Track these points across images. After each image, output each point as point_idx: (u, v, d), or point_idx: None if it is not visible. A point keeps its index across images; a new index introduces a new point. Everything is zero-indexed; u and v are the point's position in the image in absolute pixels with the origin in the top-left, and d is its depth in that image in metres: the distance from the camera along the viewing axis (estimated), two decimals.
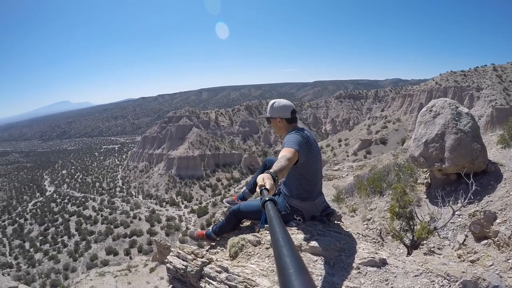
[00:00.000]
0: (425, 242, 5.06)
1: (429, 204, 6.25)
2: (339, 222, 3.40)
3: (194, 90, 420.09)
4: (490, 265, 2.76)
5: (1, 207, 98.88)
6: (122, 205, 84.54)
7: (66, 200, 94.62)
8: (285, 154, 2.40)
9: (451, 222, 5.29)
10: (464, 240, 4.63)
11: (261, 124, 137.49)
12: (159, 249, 21.85)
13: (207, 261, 2.71)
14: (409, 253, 3.83)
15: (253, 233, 3.04)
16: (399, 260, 2.55)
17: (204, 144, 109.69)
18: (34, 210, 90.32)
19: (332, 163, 52.28)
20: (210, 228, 3.62)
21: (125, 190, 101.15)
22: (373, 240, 3.08)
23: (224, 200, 4.13)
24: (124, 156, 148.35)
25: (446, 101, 6.64)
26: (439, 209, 4.58)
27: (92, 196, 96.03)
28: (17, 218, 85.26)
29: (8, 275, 35.36)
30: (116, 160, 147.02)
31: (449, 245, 5.07)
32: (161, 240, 23.49)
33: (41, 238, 68.93)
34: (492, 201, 5.02)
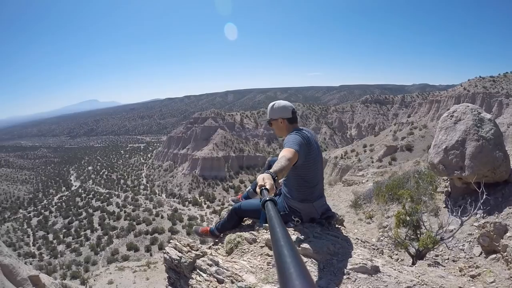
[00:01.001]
0: (439, 253, 4.86)
1: (448, 214, 6.02)
2: (339, 227, 3.32)
3: (220, 92, 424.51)
4: (491, 282, 2.59)
5: (28, 199, 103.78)
6: (145, 203, 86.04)
7: (90, 195, 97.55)
8: (285, 154, 2.39)
9: (469, 234, 5.07)
10: (481, 253, 4.41)
11: None
12: None
13: (201, 254, 2.75)
14: (413, 263, 3.68)
15: (251, 231, 3.05)
16: (394, 269, 2.45)
17: (228, 145, 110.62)
18: (59, 204, 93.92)
19: (357, 169, 51.51)
20: (214, 225, 3.66)
21: (149, 188, 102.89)
22: (372, 246, 2.98)
23: (229, 199, 4.17)
24: (149, 155, 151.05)
25: (468, 106, 6.38)
26: (448, 218, 4.37)
27: (116, 193, 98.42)
28: (42, 210, 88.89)
29: (31, 264, 36.73)
30: (141, 158, 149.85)
31: (465, 258, 4.86)
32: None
33: (64, 230, 71.43)
34: None
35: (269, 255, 2.57)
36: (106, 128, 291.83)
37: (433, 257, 4.13)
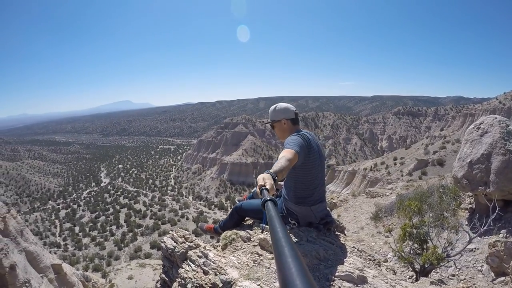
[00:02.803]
0: (455, 274, 4.60)
1: (469, 232, 5.72)
2: (339, 234, 3.24)
3: (252, 98, 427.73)
4: None
5: (58, 191, 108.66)
6: (171, 204, 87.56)
7: (119, 193, 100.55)
8: (285, 155, 2.37)
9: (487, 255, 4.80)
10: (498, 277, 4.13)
11: (317, 136, 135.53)
12: None
13: (194, 246, 2.80)
14: (416, 280, 3.49)
15: (247, 230, 3.09)
16: (386, 282, 2.33)
17: (258, 152, 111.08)
18: (87, 198, 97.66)
19: (385, 182, 50.05)
20: (218, 223, 3.71)
21: (176, 190, 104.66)
22: (369, 257, 2.87)
23: (236, 199, 4.20)
24: (179, 157, 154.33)
25: (496, 118, 6.08)
26: (459, 235, 4.12)
27: (144, 192, 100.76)
28: (71, 204, 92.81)
29: (55, 253, 38.17)
30: (170, 160, 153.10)
31: (483, 278, 4.57)
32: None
33: (90, 224, 73.99)
34: None
35: (258, 254, 2.59)
36: (138, 129, 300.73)
37: (440, 276, 3.93)
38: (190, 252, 2.69)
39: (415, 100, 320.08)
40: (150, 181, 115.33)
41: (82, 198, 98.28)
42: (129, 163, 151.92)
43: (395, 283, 2.40)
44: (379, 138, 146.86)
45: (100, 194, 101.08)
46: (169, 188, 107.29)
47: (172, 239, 2.94)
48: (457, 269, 4.56)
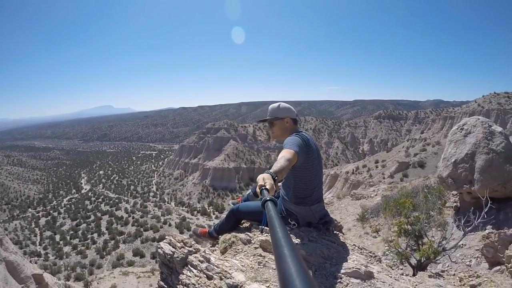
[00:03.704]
0: (445, 269, 4.69)
1: (455, 229, 5.86)
2: (337, 233, 3.25)
3: (234, 103, 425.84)
4: None
5: (37, 199, 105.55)
6: (154, 210, 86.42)
7: (100, 199, 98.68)
8: (284, 155, 2.37)
9: (476, 249, 4.91)
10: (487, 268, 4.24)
11: None
12: None
13: (194, 250, 2.75)
14: (414, 275, 3.55)
15: (247, 233, 3.04)
16: (390, 277, 2.38)
17: (240, 157, 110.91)
18: (68, 205, 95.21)
19: (367, 185, 50.79)
20: (212, 226, 3.64)
21: (158, 196, 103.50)
22: (369, 254, 2.90)
23: (230, 202, 4.16)
24: (160, 163, 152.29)
25: (478, 119, 6.26)
26: (452, 229, 4.23)
27: (125, 198, 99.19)
28: (51, 211, 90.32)
29: (36, 263, 37.04)
30: (152, 166, 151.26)
31: (475, 273, 4.68)
32: None
33: (71, 232, 72.23)
34: None
35: (261, 256, 2.56)
36: (120, 134, 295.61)
37: (435, 270, 4.00)
38: (190, 257, 2.63)
39: (396, 104, 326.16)
40: (132, 187, 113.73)
41: (63, 206, 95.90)
42: (110, 169, 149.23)
43: (399, 277, 2.43)
44: (361, 142, 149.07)
45: (81, 201, 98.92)
46: (151, 194, 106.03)
47: (169, 244, 2.86)
48: (446, 266, 4.66)
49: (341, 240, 3.00)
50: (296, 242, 2.66)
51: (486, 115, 70.96)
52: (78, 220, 79.88)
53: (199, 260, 2.55)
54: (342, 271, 2.30)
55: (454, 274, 3.96)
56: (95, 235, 69.63)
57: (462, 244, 5.48)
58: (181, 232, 67.72)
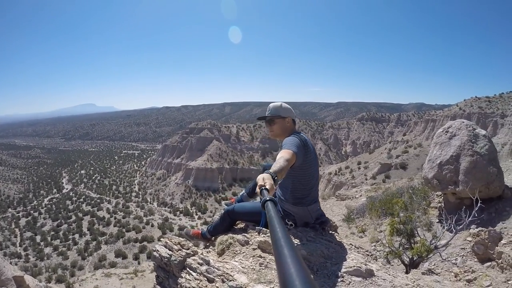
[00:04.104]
0: (432, 267, 4.82)
1: (440, 229, 6.00)
2: (333, 232, 3.29)
3: (218, 103, 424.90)
4: (488, 285, 2.58)
5: (18, 198, 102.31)
6: (136, 210, 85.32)
7: (81, 199, 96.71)
8: (283, 155, 2.39)
9: (462, 248, 5.05)
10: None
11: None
12: None
13: (192, 253, 2.73)
14: (407, 272, 3.65)
15: (244, 234, 3.02)
16: (389, 274, 2.44)
17: (223, 157, 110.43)
18: (49, 205, 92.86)
19: (350, 186, 51.48)
20: (206, 227, 3.59)
21: (140, 196, 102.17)
22: (366, 252, 2.96)
23: (223, 202, 4.12)
24: (143, 163, 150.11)
25: (463, 122, 6.45)
26: (443, 229, 4.35)
27: (107, 198, 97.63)
28: (32, 211, 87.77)
29: (16, 264, 36.10)
30: (135, 165, 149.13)
31: (470, 268, 4.83)
32: None
33: (52, 233, 70.55)
34: (506, 228, 4.76)
35: (261, 257, 2.55)
36: (102, 133, 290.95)
37: (427, 267, 4.11)
38: (189, 260, 2.60)
39: (379, 106, 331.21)
40: (114, 187, 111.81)
41: (43, 206, 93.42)
42: (92, 168, 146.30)
43: (396, 274, 2.50)
44: (344, 143, 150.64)
45: (62, 201, 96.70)
46: (133, 194, 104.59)
47: (166, 247, 2.83)
48: (433, 264, 4.77)
49: (338, 239, 3.04)
50: (296, 242, 2.67)
51: (467, 118, 72.66)
52: (59, 221, 78.02)
53: (198, 263, 2.52)
54: (344, 270, 2.34)
55: (448, 271, 4.08)
56: (77, 235, 68.21)
57: (449, 243, 5.63)
58: (164, 233, 67.12)
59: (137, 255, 55.86)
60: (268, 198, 1.32)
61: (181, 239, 2.89)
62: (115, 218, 77.12)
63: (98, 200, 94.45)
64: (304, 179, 2.89)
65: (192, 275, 2.47)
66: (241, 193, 3.90)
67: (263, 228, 2.92)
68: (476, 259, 3.80)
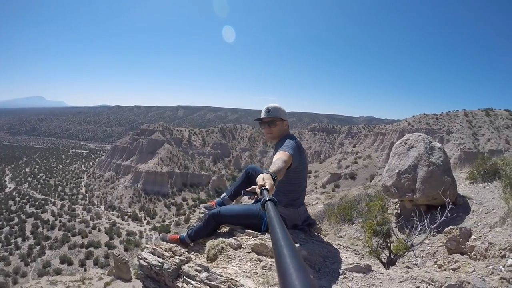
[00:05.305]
0: (408, 264, 5.20)
1: (398, 234, 6.42)
2: (319, 234, 3.43)
3: (171, 106, 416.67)
4: (472, 271, 2.90)
5: None
6: (82, 213, 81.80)
7: (25, 200, 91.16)
8: (280, 156, 2.44)
9: (421, 250, 5.47)
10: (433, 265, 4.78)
11: (233, 148, 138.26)
12: (116, 263, 20.96)
13: (186, 259, 2.61)
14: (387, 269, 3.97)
15: (234, 237, 2.97)
16: (382, 269, 2.66)
17: (173, 161, 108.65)
18: None
19: None
20: (185, 232, 3.38)
21: (87, 198, 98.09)
22: (354, 252, 3.14)
23: (201, 205, 3.91)
24: (91, 163, 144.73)
25: (420, 135, 7.06)
26: (414, 229, 4.75)
27: (52, 200, 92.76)
28: None
29: None
30: (82, 166, 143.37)
31: (453, 259, 5.30)
32: (119, 255, 22.50)
33: None
34: None
35: (260, 260, 2.54)
36: (50, 129, 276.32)
37: (406, 265, 4.49)
38: (185, 267, 2.50)
39: (331, 118, 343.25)
40: (60, 188, 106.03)
41: None
42: (37, 166, 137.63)
43: (388, 270, 2.74)
44: None
45: (4, 201, 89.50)
46: (80, 196, 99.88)
47: (154, 254, 2.71)
48: (408, 261, 5.17)
49: (325, 240, 3.18)
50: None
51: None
52: (0, 223, 72.54)
53: (196, 270, 2.43)
54: (344, 267, 2.50)
55: (425, 266, 4.48)
56: (19, 239, 63.78)
57: (413, 235, 6.11)
58: (111, 238, 64.79)
59: (83, 261, 53.32)
60: (268, 198, 1.34)
61: (172, 245, 2.78)
62: (60, 222, 73.39)
63: (43, 202, 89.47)
64: (297, 182, 2.98)
65: (191, 284, 2.37)
66: (222, 196, 3.82)
67: (259, 233, 2.94)
68: (448, 254, 4.22)
